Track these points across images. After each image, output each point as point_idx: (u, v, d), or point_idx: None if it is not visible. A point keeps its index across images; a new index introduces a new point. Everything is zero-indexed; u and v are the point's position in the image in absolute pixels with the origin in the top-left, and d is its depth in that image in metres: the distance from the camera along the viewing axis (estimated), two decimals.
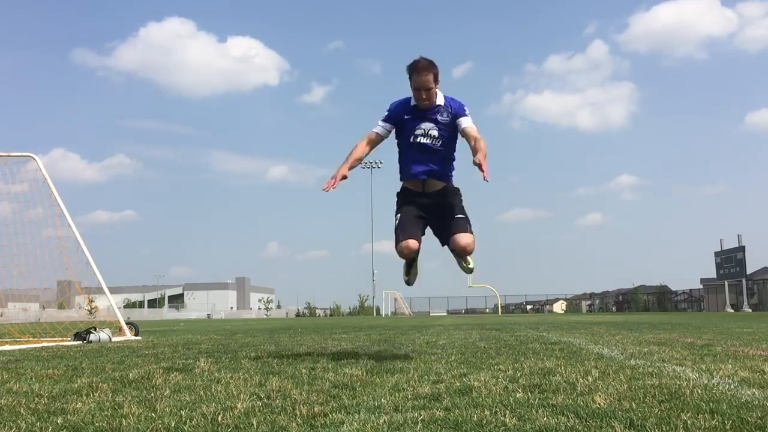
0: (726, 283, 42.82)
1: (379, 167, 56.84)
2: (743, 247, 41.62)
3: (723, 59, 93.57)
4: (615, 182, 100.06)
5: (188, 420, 2.15)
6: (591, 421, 1.99)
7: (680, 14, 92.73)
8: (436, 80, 3.95)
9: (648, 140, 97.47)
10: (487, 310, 60.70)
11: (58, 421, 2.18)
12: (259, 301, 70.87)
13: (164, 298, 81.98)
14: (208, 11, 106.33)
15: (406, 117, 4.08)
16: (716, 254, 45.49)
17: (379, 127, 4.15)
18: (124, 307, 61.91)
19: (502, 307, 59.44)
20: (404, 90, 4.08)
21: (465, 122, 4.01)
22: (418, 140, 4.05)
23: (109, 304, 9.51)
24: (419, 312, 62.07)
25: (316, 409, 2.29)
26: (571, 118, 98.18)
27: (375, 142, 4.18)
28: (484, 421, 2.01)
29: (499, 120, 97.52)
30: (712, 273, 46.92)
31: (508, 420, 2.03)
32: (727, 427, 1.89)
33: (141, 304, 76.36)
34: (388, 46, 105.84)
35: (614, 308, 60.49)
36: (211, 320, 38.34)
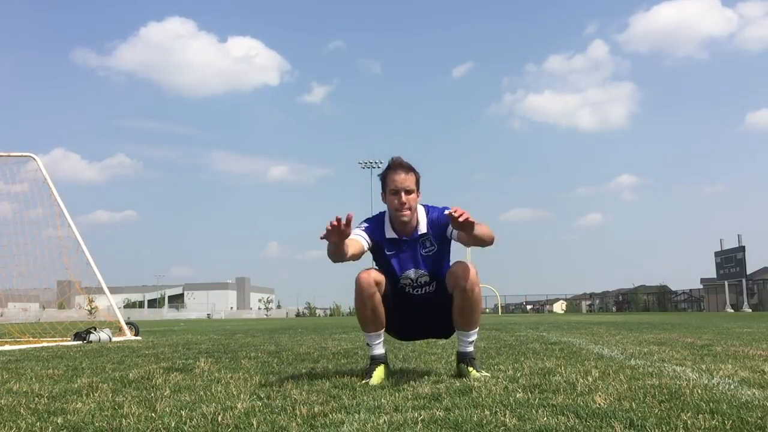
0: (726, 283, 42.80)
1: (379, 167, 56.84)
2: (743, 247, 41.61)
3: (723, 59, 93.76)
4: (615, 182, 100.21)
5: (188, 420, 2.15)
6: (591, 421, 1.98)
7: (681, 14, 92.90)
8: (417, 186, 3.23)
9: (648, 140, 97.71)
10: (487, 310, 60.64)
11: (58, 421, 2.18)
12: (259, 301, 70.91)
13: (164, 298, 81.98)
14: (208, 11, 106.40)
15: (387, 252, 3.29)
16: (716, 254, 45.48)
17: (359, 237, 3.24)
18: (124, 307, 61.90)
19: (502, 307, 59.39)
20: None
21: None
22: (407, 291, 3.34)
23: (109, 304, 9.52)
24: None
25: (316, 409, 2.29)
26: (571, 118, 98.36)
27: (359, 248, 3.21)
28: (484, 421, 2.01)
29: (499, 120, 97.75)
30: (712, 273, 46.93)
31: (508, 420, 2.03)
32: (727, 427, 1.89)
33: (141, 304, 76.36)
34: (388, 45, 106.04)
35: (614, 308, 60.49)
36: (211, 320, 38.34)
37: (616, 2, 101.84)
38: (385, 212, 3.34)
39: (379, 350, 3.26)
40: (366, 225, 3.33)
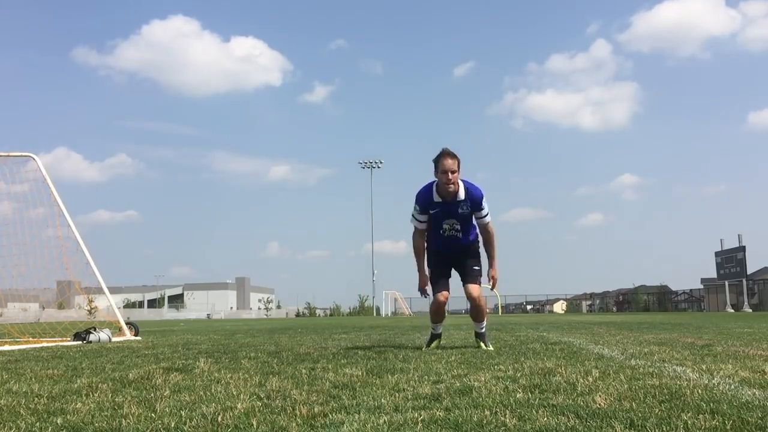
0: (726, 283, 42.77)
1: (379, 167, 56.89)
2: (744, 247, 41.55)
3: (726, 59, 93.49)
4: (616, 182, 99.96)
5: (188, 420, 2.14)
6: (591, 422, 1.98)
7: (683, 13, 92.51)
8: (459, 167, 4.70)
9: (650, 140, 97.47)
10: (487, 310, 60.65)
11: (58, 422, 2.18)
12: (259, 301, 70.91)
13: (164, 298, 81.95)
14: (212, 10, 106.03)
15: (432, 211, 4.88)
16: (717, 254, 45.43)
17: (419, 222, 4.96)
18: (124, 307, 61.91)
19: (502, 307, 59.38)
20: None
21: (486, 219, 4.91)
22: (445, 234, 4.93)
23: (109, 304, 9.51)
24: (419, 312, 62.02)
25: (316, 409, 2.29)
26: (573, 118, 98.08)
27: (425, 233, 5.04)
28: (485, 422, 2.01)
29: (500, 119, 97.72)
30: (712, 273, 46.89)
31: (508, 420, 2.02)
32: (728, 428, 1.88)
33: (141, 304, 76.39)
34: (390, 46, 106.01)
35: (614, 308, 60.50)
36: (211, 320, 38.34)
37: (619, 1, 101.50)
38: (434, 182, 4.82)
39: (438, 330, 5.30)
40: (419, 207, 4.87)
